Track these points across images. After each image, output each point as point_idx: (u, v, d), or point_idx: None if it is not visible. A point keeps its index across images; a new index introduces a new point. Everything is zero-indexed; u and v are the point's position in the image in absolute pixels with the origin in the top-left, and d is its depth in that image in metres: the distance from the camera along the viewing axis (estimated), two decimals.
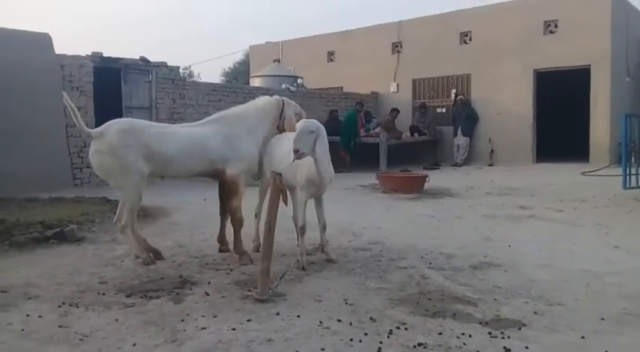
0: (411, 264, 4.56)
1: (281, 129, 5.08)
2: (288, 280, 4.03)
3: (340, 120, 14.49)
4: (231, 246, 4.90)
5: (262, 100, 5.18)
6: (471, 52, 15.39)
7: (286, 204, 4.39)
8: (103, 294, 3.79)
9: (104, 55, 10.50)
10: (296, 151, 4.09)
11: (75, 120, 4.64)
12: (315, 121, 4.39)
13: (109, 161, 4.47)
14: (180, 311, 3.42)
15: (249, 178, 4.97)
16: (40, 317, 3.33)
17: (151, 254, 4.70)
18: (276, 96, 5.29)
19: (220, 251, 5.01)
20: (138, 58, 11.10)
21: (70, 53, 10.01)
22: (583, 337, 2.98)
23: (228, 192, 4.83)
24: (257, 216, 5.08)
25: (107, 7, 60.29)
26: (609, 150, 13.31)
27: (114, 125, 4.60)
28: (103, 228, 6.03)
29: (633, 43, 14.74)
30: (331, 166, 4.59)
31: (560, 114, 15.92)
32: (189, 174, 4.91)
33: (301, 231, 4.52)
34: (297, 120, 4.76)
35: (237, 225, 4.81)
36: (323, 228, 4.74)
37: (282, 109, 5.12)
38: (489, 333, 3.03)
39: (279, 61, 18.63)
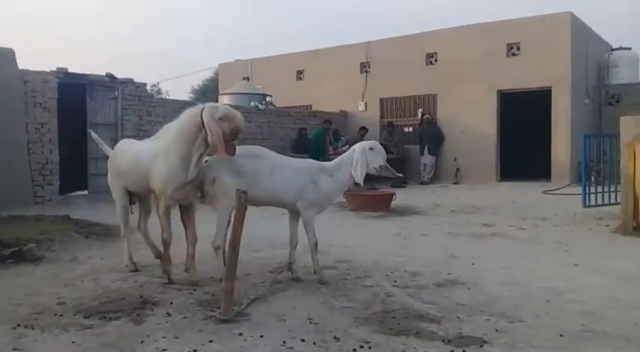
0: (376, 282, 4.57)
1: (211, 143, 4.20)
2: (252, 300, 3.99)
3: (309, 138, 14.55)
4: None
5: (184, 113, 4.45)
6: (437, 73, 15.71)
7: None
8: (61, 316, 3.67)
9: (69, 70, 10.35)
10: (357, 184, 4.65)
11: (104, 150, 5.42)
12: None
13: (108, 176, 5.14)
14: (140, 333, 3.34)
15: (182, 199, 4.57)
16: None
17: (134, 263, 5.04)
18: (197, 106, 4.39)
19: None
20: (104, 74, 10.98)
21: (33, 69, 9.84)
22: None
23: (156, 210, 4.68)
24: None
25: (74, 22, 59.58)
26: (570, 169, 13.68)
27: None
28: (63, 247, 5.88)
29: (592, 66, 15.28)
30: None
31: (523, 134, 16.32)
32: (142, 189, 4.85)
33: (316, 246, 4.67)
34: (233, 132, 4.21)
35: (163, 244, 4.63)
36: (294, 246, 4.77)
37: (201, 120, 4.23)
38: (451, 351, 3.05)
39: (248, 79, 18.67)
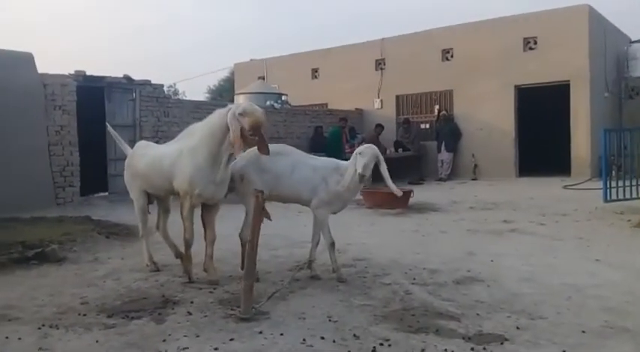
0: (395, 280, 4.57)
1: (232, 143, 4.19)
2: (272, 298, 4.01)
3: (325, 136, 14.56)
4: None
5: (212, 115, 4.50)
6: (453, 69, 15.60)
7: (270, 219, 4.53)
8: (84, 315, 3.73)
9: (87, 73, 10.48)
10: (363, 176, 4.44)
11: (121, 146, 5.53)
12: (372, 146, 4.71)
13: (124, 177, 5.30)
14: (162, 332, 3.38)
15: (202, 195, 4.55)
16: (19, 339, 3.28)
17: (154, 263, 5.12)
18: (226, 108, 4.38)
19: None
20: (121, 76, 11.10)
21: (52, 72, 9.98)
22: (564, 351, 3.00)
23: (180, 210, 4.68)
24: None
25: (90, 25, 60.25)
26: (590, 164, 13.50)
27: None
28: (85, 247, 5.97)
29: (611, 58, 15.05)
30: None
31: (542, 129, 16.15)
32: (162, 191, 4.94)
33: (332, 246, 4.68)
34: (254, 127, 4.15)
35: (185, 244, 4.65)
36: (316, 244, 4.77)
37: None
38: (472, 349, 3.04)
39: (263, 79, 18.72)
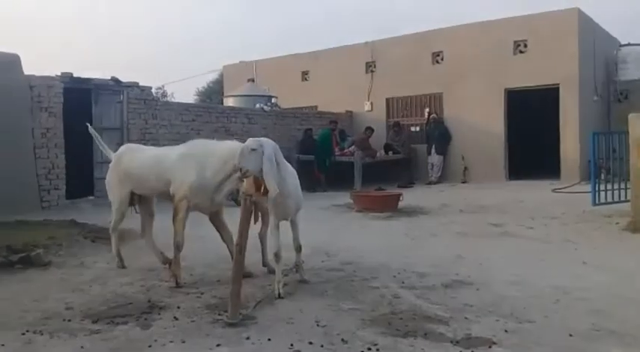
0: (383, 284, 4.55)
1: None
2: (259, 303, 3.98)
3: (315, 139, 14.54)
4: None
5: (228, 143, 4.74)
6: (443, 71, 15.64)
7: (255, 222, 4.54)
8: (69, 321, 3.69)
9: (74, 75, 10.39)
10: (239, 170, 4.04)
11: (101, 147, 5.55)
12: (262, 139, 4.20)
13: (107, 178, 5.32)
14: (147, 337, 3.35)
15: (203, 207, 4.75)
16: (2, 345, 3.24)
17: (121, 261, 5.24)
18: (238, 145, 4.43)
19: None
20: (109, 78, 11.01)
21: (39, 74, 9.88)
22: None
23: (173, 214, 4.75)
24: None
25: (78, 27, 59.86)
26: (579, 167, 13.56)
27: (119, 149, 5.44)
28: (70, 251, 5.90)
29: (600, 62, 15.15)
30: (296, 187, 4.51)
31: (532, 133, 16.21)
32: (154, 192, 5.10)
33: (276, 257, 4.31)
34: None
35: (175, 248, 4.66)
36: (298, 249, 4.67)
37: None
38: None
39: (253, 81, 18.65)
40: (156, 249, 5.25)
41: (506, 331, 3.36)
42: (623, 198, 8.51)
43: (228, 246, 4.85)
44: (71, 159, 10.12)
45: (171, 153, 4.94)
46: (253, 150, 4.04)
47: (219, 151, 4.64)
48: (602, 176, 9.43)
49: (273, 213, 4.42)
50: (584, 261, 5.26)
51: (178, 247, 4.64)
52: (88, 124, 6.00)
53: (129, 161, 5.12)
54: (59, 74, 10.18)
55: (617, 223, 7.30)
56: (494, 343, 3.17)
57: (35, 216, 8.13)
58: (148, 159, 5.05)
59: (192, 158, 4.69)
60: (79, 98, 10.29)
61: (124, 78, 11.24)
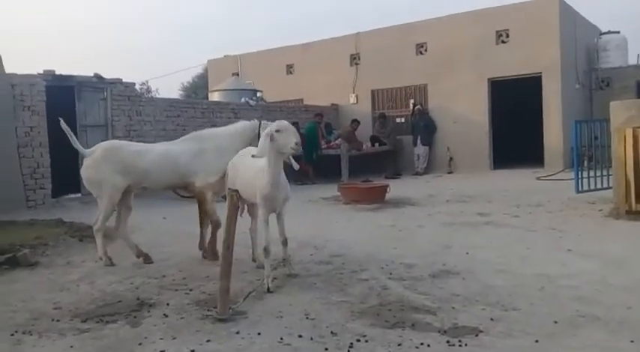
0: (372, 276, 4.59)
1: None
2: (248, 297, 4.00)
3: (301, 132, 14.53)
4: None
5: (238, 123, 5.60)
6: (427, 63, 15.70)
7: (241, 215, 4.67)
8: (58, 320, 3.68)
9: (56, 72, 10.27)
10: (296, 144, 4.17)
11: (72, 142, 5.38)
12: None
13: (93, 174, 5.24)
14: (137, 335, 3.35)
15: (220, 190, 5.27)
16: None
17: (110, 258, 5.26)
18: (254, 121, 5.52)
19: (203, 257, 5.40)
20: (92, 75, 10.90)
21: (20, 72, 9.76)
22: (537, 341, 3.06)
23: (199, 203, 5.43)
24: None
25: (62, 24, 59.07)
26: (563, 155, 13.73)
27: (102, 144, 5.48)
28: (57, 251, 5.87)
29: (581, 50, 15.31)
30: (284, 178, 4.50)
31: (515, 121, 16.34)
32: (163, 186, 5.64)
33: (265, 252, 4.33)
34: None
35: (214, 225, 5.29)
36: (284, 242, 4.69)
37: (259, 132, 5.09)
38: (447, 342, 3.08)
39: (238, 75, 18.58)
40: (130, 241, 5.41)
41: (492, 319, 3.42)
42: (605, 185, 8.64)
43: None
44: (56, 158, 10.01)
45: (183, 148, 5.40)
46: (278, 131, 4.20)
47: (227, 130, 5.46)
48: (585, 163, 9.56)
49: (263, 207, 4.42)
50: (568, 249, 5.33)
51: (219, 224, 5.21)
52: (60, 119, 5.64)
53: (132, 156, 5.29)
54: (41, 72, 10.06)
55: (601, 210, 7.42)
56: (481, 331, 3.22)
57: (21, 216, 8.08)
58: (160, 155, 5.35)
59: (194, 149, 5.33)
60: (62, 96, 10.17)
61: (108, 74, 11.15)
